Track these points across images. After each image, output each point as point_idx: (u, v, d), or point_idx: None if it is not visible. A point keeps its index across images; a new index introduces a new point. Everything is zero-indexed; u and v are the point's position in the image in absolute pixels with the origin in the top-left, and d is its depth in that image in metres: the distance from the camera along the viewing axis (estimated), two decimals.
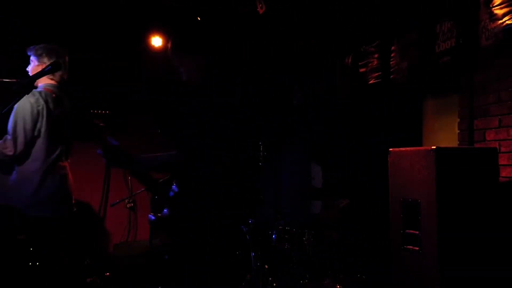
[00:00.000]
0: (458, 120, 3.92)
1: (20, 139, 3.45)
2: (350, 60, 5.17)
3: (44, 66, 3.53)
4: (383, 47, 4.67)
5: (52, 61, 3.53)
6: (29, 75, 3.67)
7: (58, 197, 3.63)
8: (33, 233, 3.46)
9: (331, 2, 4.67)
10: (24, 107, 3.46)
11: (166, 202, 2.86)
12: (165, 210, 3.10)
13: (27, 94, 3.05)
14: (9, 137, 3.48)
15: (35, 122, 3.50)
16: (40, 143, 3.53)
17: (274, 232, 4.45)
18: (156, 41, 5.17)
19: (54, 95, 3.65)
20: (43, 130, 3.53)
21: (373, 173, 4.26)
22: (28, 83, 3.13)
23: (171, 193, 2.75)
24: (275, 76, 5.73)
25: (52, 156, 3.59)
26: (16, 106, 3.35)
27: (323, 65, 5.64)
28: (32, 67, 3.68)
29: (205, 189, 2.60)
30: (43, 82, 3.66)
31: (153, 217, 4.28)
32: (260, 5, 4.22)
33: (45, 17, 4.86)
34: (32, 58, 3.70)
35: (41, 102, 3.52)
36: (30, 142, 3.49)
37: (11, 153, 3.45)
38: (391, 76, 4.52)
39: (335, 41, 5.38)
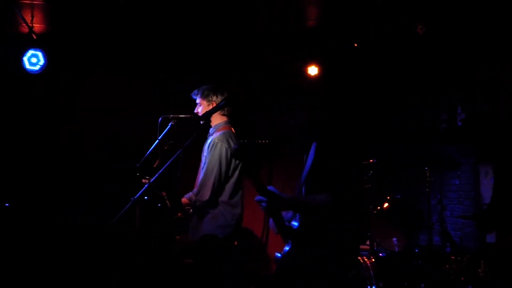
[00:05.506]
0: None
1: (211, 183, 3.72)
2: None
3: (214, 104, 3.78)
4: None
5: (221, 97, 3.76)
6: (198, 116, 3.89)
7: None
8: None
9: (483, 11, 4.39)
10: (221, 153, 3.71)
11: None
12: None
13: (203, 129, 3.27)
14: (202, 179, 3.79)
15: (229, 165, 3.76)
16: (232, 182, 3.81)
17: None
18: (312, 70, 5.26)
19: (233, 130, 3.88)
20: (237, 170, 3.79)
21: None
22: (204, 118, 3.40)
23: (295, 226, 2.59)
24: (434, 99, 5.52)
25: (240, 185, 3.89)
26: (211, 153, 3.70)
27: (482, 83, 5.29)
28: (203, 108, 3.87)
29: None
30: (218, 121, 3.87)
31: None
32: (420, 27, 4.13)
33: None
34: (199, 100, 3.90)
35: (231, 144, 3.75)
36: (223, 183, 3.76)
37: (206, 197, 3.74)
38: None
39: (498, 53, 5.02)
